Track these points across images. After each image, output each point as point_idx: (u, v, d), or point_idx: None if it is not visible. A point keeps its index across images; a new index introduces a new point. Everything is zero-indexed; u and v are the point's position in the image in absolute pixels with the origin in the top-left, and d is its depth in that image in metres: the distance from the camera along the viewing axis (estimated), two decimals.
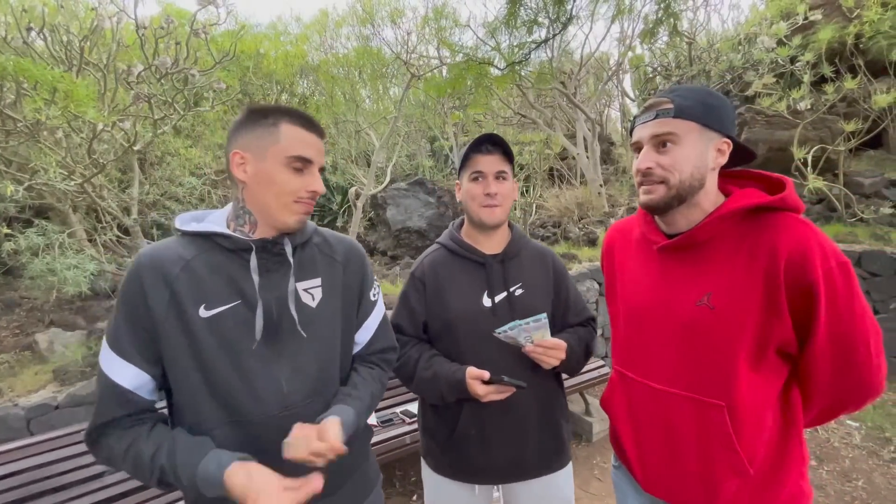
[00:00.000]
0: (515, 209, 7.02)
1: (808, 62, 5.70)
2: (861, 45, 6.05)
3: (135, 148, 3.73)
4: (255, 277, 0.98)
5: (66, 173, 3.67)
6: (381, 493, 1.25)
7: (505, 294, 1.40)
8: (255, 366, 0.98)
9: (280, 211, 0.99)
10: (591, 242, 5.74)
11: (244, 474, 0.85)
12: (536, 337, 1.27)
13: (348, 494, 1.13)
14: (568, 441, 1.49)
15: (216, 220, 1.05)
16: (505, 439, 1.39)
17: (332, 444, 0.91)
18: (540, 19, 3.83)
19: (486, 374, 1.27)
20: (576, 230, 6.14)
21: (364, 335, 1.21)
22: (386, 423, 2.67)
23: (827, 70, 5.76)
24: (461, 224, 1.54)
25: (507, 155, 1.40)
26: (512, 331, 1.24)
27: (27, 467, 2.00)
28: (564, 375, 1.51)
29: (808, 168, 5.26)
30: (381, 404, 2.81)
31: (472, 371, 1.29)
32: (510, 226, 1.52)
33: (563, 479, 1.47)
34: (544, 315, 1.22)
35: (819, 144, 5.55)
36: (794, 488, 1.03)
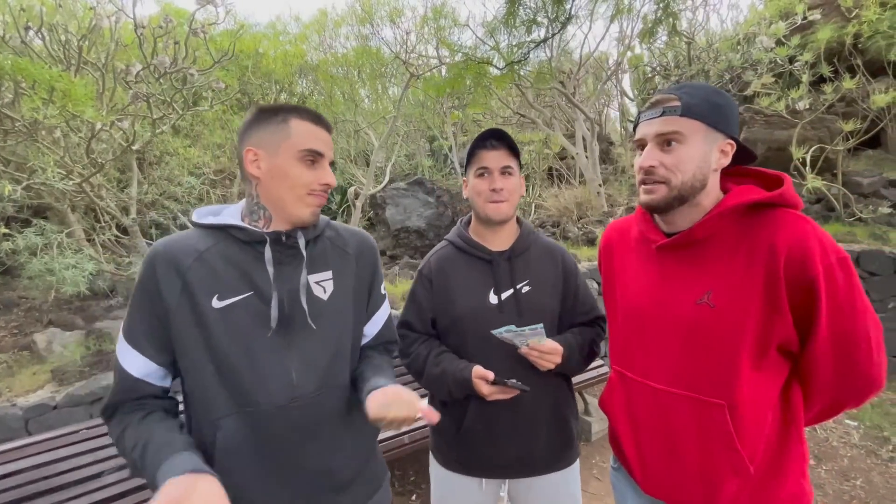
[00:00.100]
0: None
1: (806, 62, 5.71)
2: (859, 45, 6.06)
3: (133, 147, 3.73)
4: (270, 269, 1.00)
5: (64, 173, 3.66)
6: (388, 490, 1.26)
7: (511, 291, 1.40)
8: (265, 356, 0.99)
9: (295, 204, 1.01)
10: (590, 242, 5.75)
11: (187, 485, 0.81)
12: (533, 342, 1.27)
13: (356, 492, 1.13)
14: (576, 438, 1.49)
15: (232, 214, 1.08)
16: (512, 435, 1.39)
17: (423, 409, 0.98)
18: (539, 19, 3.83)
19: (491, 375, 1.27)
20: (575, 230, 6.14)
21: (372, 328, 1.23)
22: None
23: (825, 70, 5.77)
24: (469, 221, 1.53)
25: (513, 150, 1.39)
26: (508, 333, 1.24)
27: (25, 467, 1.99)
28: None
29: (807, 168, 5.27)
30: None
31: (477, 371, 1.29)
32: (519, 222, 1.51)
33: (571, 476, 1.47)
34: (541, 325, 1.22)
35: (818, 144, 5.55)
36: (794, 487, 1.03)
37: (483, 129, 1.42)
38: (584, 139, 7.86)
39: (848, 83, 5.41)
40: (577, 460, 1.51)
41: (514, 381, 1.26)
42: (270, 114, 1.02)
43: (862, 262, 4.41)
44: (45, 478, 2.00)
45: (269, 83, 7.46)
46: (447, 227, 6.67)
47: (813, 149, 5.38)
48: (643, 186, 1.07)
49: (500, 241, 1.45)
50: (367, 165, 7.68)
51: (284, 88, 8.01)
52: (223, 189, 5.75)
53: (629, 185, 8.21)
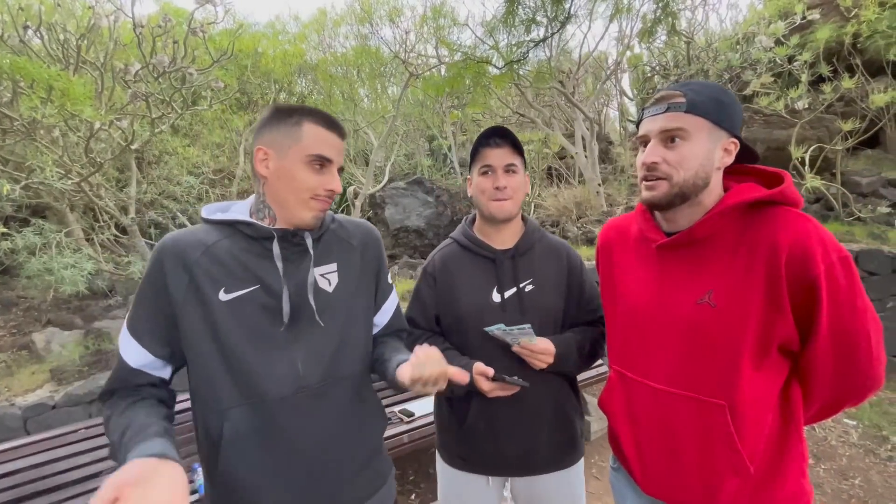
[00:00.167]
0: None
1: (805, 61, 5.71)
2: (859, 45, 6.07)
3: (132, 147, 3.72)
4: (280, 264, 1.02)
5: (62, 172, 3.66)
6: (393, 485, 1.26)
7: (514, 290, 1.39)
8: (272, 348, 1.01)
9: (298, 207, 1.03)
10: (590, 242, 5.75)
11: (147, 468, 0.77)
12: (524, 341, 1.27)
13: (361, 486, 1.14)
14: (580, 438, 1.48)
15: (240, 210, 1.09)
16: (514, 434, 1.39)
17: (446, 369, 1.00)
18: (538, 18, 3.83)
19: (491, 371, 1.27)
20: (574, 229, 6.14)
21: (382, 318, 1.25)
22: None
23: (825, 69, 5.78)
24: (474, 219, 1.53)
25: (517, 147, 1.38)
26: (498, 332, 1.25)
27: (23, 467, 1.99)
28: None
29: (806, 167, 5.27)
30: None
31: (478, 367, 1.29)
32: (524, 220, 1.50)
33: (575, 476, 1.47)
34: (528, 325, 1.21)
35: (816, 144, 5.56)
36: (794, 486, 1.02)
37: (483, 129, 1.42)
38: (583, 139, 7.87)
39: (847, 83, 5.42)
40: (582, 460, 1.50)
41: (515, 377, 1.26)
42: (285, 115, 1.02)
43: (861, 261, 4.41)
44: (44, 477, 2.00)
45: (269, 83, 7.46)
46: (446, 227, 6.67)
47: (812, 148, 5.39)
48: (645, 182, 1.05)
49: (504, 239, 1.44)
50: (367, 165, 7.68)
51: (283, 88, 8.01)
52: (222, 188, 5.75)
53: (628, 185, 8.21)
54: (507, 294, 1.39)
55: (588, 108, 9.06)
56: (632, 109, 10.99)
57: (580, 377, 3.19)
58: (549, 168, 9.36)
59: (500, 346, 1.33)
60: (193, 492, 2.07)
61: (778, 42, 6.09)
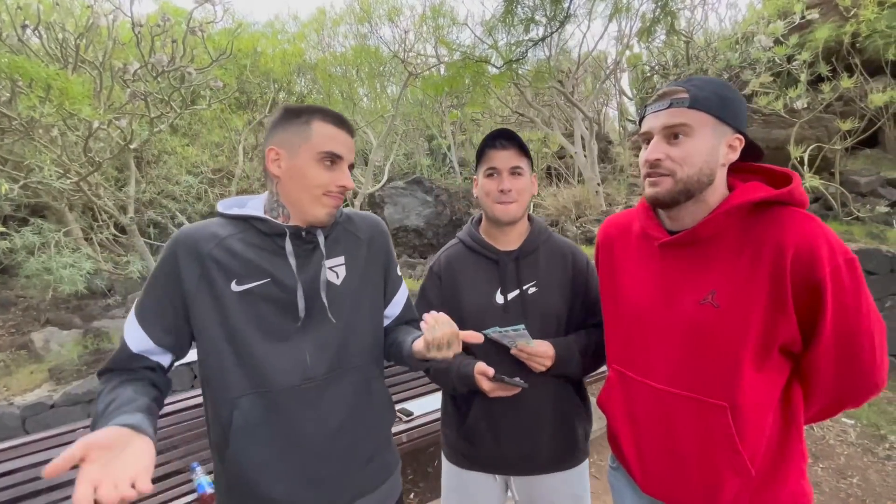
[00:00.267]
0: None
1: (804, 61, 5.72)
2: (858, 44, 6.07)
3: (131, 146, 3.72)
4: (292, 261, 1.04)
5: (61, 171, 3.65)
6: (399, 478, 1.27)
7: (518, 292, 1.39)
8: (280, 339, 1.04)
9: (311, 204, 1.05)
10: (589, 241, 5.76)
11: (119, 436, 0.78)
12: (520, 343, 1.27)
13: (367, 477, 1.15)
14: (583, 440, 1.47)
15: (255, 206, 1.11)
16: (515, 434, 1.40)
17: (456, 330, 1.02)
18: (537, 17, 3.82)
19: (492, 372, 1.28)
20: (573, 229, 6.15)
21: (394, 309, 1.27)
22: None
23: (824, 69, 5.78)
24: (480, 219, 1.53)
25: (523, 149, 1.37)
26: (495, 334, 1.25)
27: (22, 466, 1.98)
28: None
29: (805, 167, 5.28)
30: None
31: (479, 367, 1.30)
32: (531, 220, 1.50)
33: (577, 477, 1.46)
34: (522, 326, 1.21)
35: (815, 143, 5.56)
36: (794, 487, 1.02)
37: (482, 128, 1.42)
38: (582, 138, 7.87)
39: (846, 82, 5.42)
40: (586, 462, 1.49)
41: (516, 378, 1.27)
42: (294, 115, 1.05)
43: (859, 260, 4.40)
44: (42, 477, 2.00)
45: (268, 82, 7.46)
46: (445, 226, 6.67)
47: (811, 148, 5.39)
48: (648, 179, 1.03)
49: (509, 240, 1.44)
50: (366, 164, 7.67)
51: (283, 87, 8.00)
52: (221, 188, 5.74)
53: (628, 185, 8.22)
54: (511, 296, 1.39)
55: (587, 108, 9.06)
56: (631, 109, 11.00)
57: None
58: (549, 167, 9.37)
59: (502, 348, 1.33)
60: (192, 491, 2.08)
61: (777, 42, 6.09)
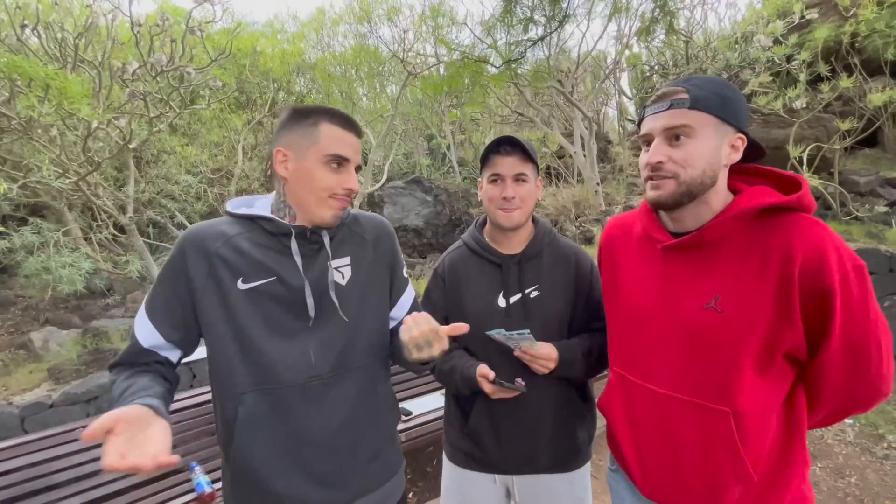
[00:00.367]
0: None
1: (804, 61, 5.71)
2: (857, 44, 6.07)
3: (130, 146, 3.72)
4: (298, 260, 1.06)
5: (60, 171, 3.65)
6: (402, 478, 1.28)
7: (520, 296, 1.39)
8: (285, 337, 1.05)
9: (317, 206, 1.06)
10: (588, 241, 5.76)
11: (142, 415, 0.84)
12: (525, 346, 1.27)
13: (370, 475, 1.16)
14: (584, 444, 1.48)
15: (263, 206, 1.13)
16: (515, 435, 1.40)
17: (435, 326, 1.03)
18: (536, 17, 3.83)
19: (492, 375, 1.29)
20: (572, 228, 6.15)
21: (399, 312, 1.26)
22: None
23: (823, 69, 5.78)
24: (484, 222, 1.53)
25: (528, 155, 1.36)
26: (499, 336, 1.25)
27: (21, 466, 1.99)
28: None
29: (804, 166, 5.28)
30: None
31: (481, 369, 1.31)
32: (536, 223, 1.49)
33: (578, 479, 1.47)
34: (528, 331, 1.21)
35: (815, 143, 5.56)
36: (796, 493, 1.01)
37: (482, 128, 1.42)
38: (581, 138, 7.87)
39: (845, 82, 5.42)
40: (588, 464, 1.50)
41: (515, 382, 1.27)
42: (302, 116, 1.05)
43: None
44: (41, 476, 2.00)
45: (267, 82, 7.46)
46: (444, 226, 6.68)
47: (810, 147, 5.39)
48: (650, 182, 1.02)
49: (512, 244, 1.44)
50: (365, 164, 7.67)
51: (282, 87, 8.00)
52: (220, 188, 5.74)
53: (627, 184, 8.22)
54: (513, 300, 1.39)
55: (587, 108, 9.06)
56: (630, 108, 11.00)
57: None
58: (548, 167, 9.36)
59: (504, 350, 1.33)
60: (191, 490, 2.08)
61: (776, 41, 6.09)
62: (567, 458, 1.45)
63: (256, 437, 1.03)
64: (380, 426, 1.18)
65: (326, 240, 1.09)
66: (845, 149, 5.93)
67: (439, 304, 1.48)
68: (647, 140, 1.02)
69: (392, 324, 1.26)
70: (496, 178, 1.37)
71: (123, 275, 4.19)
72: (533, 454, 1.41)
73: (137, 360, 1.04)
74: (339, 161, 1.05)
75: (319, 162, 1.03)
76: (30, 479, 1.98)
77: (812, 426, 1.06)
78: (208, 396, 2.32)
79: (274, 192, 1.14)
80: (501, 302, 1.40)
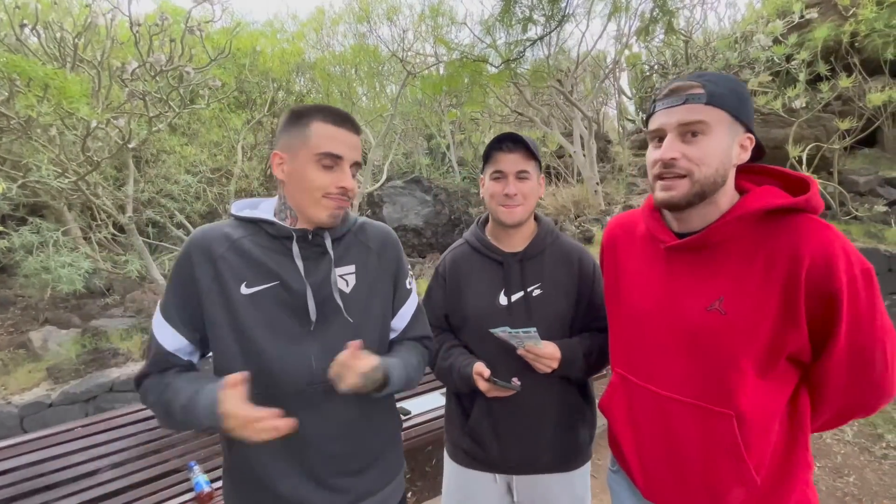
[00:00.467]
0: None
1: (803, 60, 5.71)
2: (856, 44, 6.07)
3: (129, 145, 3.71)
4: (300, 263, 1.06)
5: (59, 171, 3.65)
6: (402, 481, 1.28)
7: (522, 294, 1.39)
8: (287, 342, 1.05)
9: (312, 207, 1.05)
10: (588, 241, 5.75)
11: (234, 403, 0.92)
12: (528, 345, 1.27)
13: (369, 480, 1.16)
14: (585, 443, 1.48)
15: (267, 209, 1.13)
16: (515, 434, 1.40)
17: (355, 362, 1.00)
18: (535, 16, 3.83)
19: (488, 373, 1.29)
20: (572, 228, 6.15)
21: (400, 322, 1.25)
22: None
23: (822, 68, 5.78)
24: (486, 220, 1.52)
25: (530, 152, 1.36)
26: (503, 334, 1.24)
27: (20, 465, 1.99)
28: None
29: (803, 166, 5.28)
30: None
31: (477, 367, 1.31)
32: (539, 221, 1.49)
33: (578, 479, 1.47)
34: (534, 329, 1.21)
35: (814, 142, 5.57)
36: (799, 496, 1.00)
37: (481, 127, 1.41)
38: (581, 137, 7.86)
39: (844, 82, 5.43)
40: (588, 464, 1.50)
41: (512, 381, 1.27)
42: (296, 117, 1.05)
43: None
44: (40, 475, 2.00)
45: (267, 81, 7.44)
46: (444, 226, 6.68)
47: (809, 147, 5.40)
48: (661, 182, 0.97)
49: (514, 242, 1.44)
50: (365, 163, 7.67)
51: (282, 87, 7.99)
52: (220, 187, 5.74)
53: (627, 184, 8.21)
54: (514, 298, 1.39)
55: (586, 107, 9.06)
56: (630, 108, 11.00)
57: None
58: (548, 167, 9.36)
59: (505, 347, 1.33)
60: (190, 490, 2.08)
61: (776, 41, 6.09)
62: (567, 457, 1.45)
63: (258, 442, 1.04)
64: (380, 430, 1.19)
65: (328, 242, 1.09)
66: (845, 148, 5.93)
67: (440, 302, 1.48)
68: (659, 136, 0.98)
69: (392, 335, 1.25)
70: (499, 175, 1.37)
71: (123, 274, 4.19)
72: (533, 453, 1.41)
73: (163, 365, 1.06)
74: (332, 159, 1.03)
75: (311, 161, 1.03)
76: (29, 479, 1.98)
77: (815, 429, 1.05)
78: None
79: (276, 197, 1.15)
80: (503, 300, 1.39)
